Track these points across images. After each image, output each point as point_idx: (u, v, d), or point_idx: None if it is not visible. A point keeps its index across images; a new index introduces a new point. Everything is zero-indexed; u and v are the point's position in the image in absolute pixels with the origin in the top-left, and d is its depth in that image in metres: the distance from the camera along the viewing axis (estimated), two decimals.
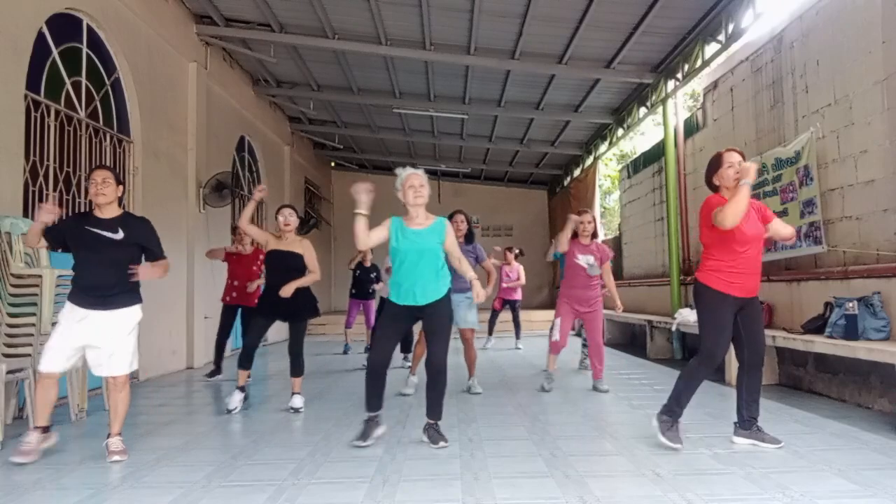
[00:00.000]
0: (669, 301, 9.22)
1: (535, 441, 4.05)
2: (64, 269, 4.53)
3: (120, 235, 3.81)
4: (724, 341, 3.82)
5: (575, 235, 5.96)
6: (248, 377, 5.31)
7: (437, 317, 3.98)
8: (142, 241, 3.92)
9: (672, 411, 3.86)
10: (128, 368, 3.84)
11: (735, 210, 3.48)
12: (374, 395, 4.01)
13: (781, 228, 3.92)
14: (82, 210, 6.15)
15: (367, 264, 9.52)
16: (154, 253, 3.97)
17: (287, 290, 4.98)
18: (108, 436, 3.84)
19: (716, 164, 3.87)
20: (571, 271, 5.92)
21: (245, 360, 5.19)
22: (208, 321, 8.50)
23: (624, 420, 4.75)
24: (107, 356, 3.78)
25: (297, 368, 5.23)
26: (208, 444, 4.21)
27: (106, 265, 3.77)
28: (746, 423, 3.87)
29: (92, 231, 3.78)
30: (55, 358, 3.73)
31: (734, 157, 3.78)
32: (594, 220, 6.05)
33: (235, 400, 5.18)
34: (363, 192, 3.80)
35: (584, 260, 5.82)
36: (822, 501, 2.84)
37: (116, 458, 3.72)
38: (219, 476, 3.40)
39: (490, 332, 10.52)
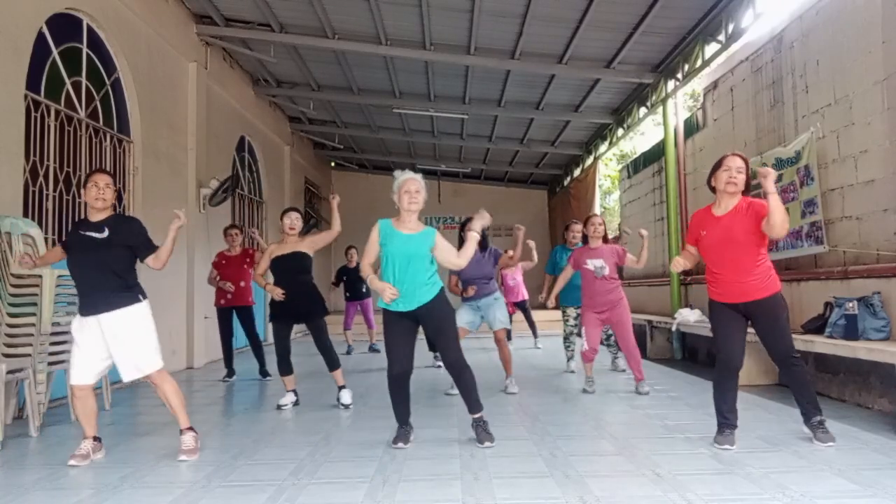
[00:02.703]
0: (669, 301, 9.22)
1: (535, 441, 4.05)
2: (64, 270, 4.53)
3: (104, 234, 3.75)
4: (730, 346, 3.82)
5: (585, 241, 5.92)
6: (295, 379, 5.53)
7: (437, 317, 3.96)
8: (128, 240, 3.82)
9: (719, 422, 3.86)
10: (156, 365, 3.81)
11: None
12: (402, 407, 4.02)
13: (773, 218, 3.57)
14: (82, 211, 6.15)
15: (353, 265, 9.56)
16: (142, 249, 3.87)
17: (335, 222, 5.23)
18: (181, 432, 3.85)
19: (717, 165, 3.88)
20: (585, 278, 5.85)
21: (284, 367, 5.37)
22: (208, 321, 8.50)
23: (624, 420, 4.75)
24: (129, 358, 3.74)
25: (331, 362, 5.35)
26: (208, 444, 4.20)
27: (94, 266, 3.72)
28: (805, 416, 3.87)
29: (82, 234, 3.78)
30: (82, 371, 3.73)
31: (731, 162, 3.78)
32: (604, 222, 5.99)
33: (287, 398, 5.38)
34: (376, 284, 3.90)
35: (591, 264, 5.75)
36: (822, 501, 2.84)
37: (183, 457, 3.71)
38: (219, 476, 3.40)
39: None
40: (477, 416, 4.02)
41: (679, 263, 3.99)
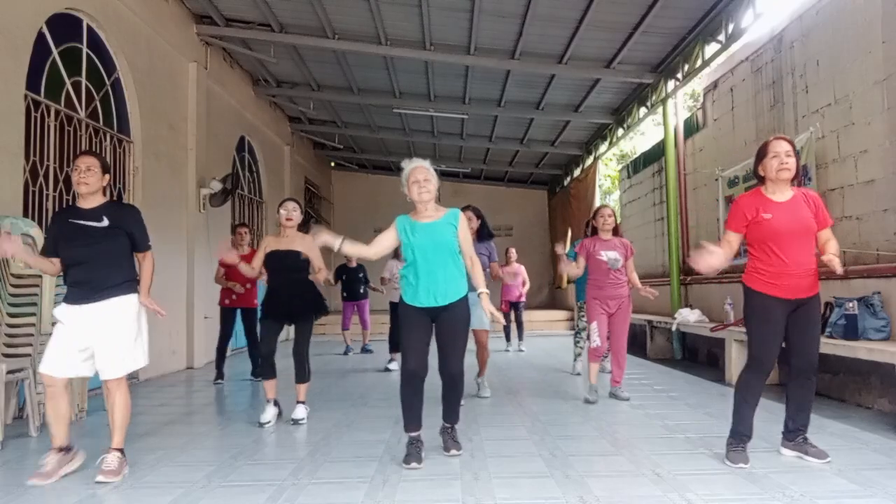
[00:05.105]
0: (669, 301, 9.22)
1: (535, 441, 4.05)
2: None
3: (105, 223, 3.49)
4: (772, 347, 3.45)
5: (595, 232, 5.69)
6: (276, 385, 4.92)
7: (456, 320, 3.67)
8: (127, 227, 3.58)
9: (736, 433, 3.52)
10: (122, 371, 3.49)
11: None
12: (414, 412, 3.67)
13: (827, 243, 3.48)
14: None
15: (353, 265, 9.56)
16: (138, 242, 3.63)
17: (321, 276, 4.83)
18: (107, 450, 3.47)
19: (762, 152, 3.52)
20: (595, 269, 5.59)
21: (268, 370, 4.79)
22: (208, 321, 8.51)
23: (624, 420, 4.75)
24: (101, 356, 3.48)
25: (302, 373, 4.78)
26: (208, 444, 4.21)
27: (95, 257, 3.46)
28: (792, 433, 3.56)
29: (75, 223, 3.49)
30: (55, 360, 3.40)
31: (779, 147, 3.42)
32: (614, 213, 5.76)
33: (269, 413, 4.74)
34: (322, 236, 3.78)
35: (605, 255, 5.51)
36: (822, 501, 2.84)
37: (101, 478, 3.28)
38: (219, 476, 3.40)
39: (508, 338, 10.06)
40: (449, 425, 3.82)
41: (718, 259, 3.42)
